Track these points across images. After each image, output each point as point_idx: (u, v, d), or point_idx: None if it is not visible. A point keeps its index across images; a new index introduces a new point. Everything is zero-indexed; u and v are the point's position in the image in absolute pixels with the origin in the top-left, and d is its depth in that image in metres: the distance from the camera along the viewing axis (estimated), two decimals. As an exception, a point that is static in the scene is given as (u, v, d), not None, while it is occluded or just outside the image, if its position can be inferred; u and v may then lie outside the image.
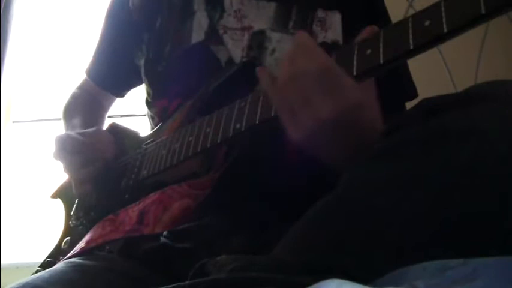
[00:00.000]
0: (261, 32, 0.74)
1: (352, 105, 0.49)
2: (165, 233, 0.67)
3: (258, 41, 0.74)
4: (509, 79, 0.45)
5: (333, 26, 0.75)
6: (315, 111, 0.49)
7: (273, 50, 0.73)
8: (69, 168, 0.81)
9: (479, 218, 0.36)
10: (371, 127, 0.52)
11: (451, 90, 1.78)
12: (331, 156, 0.55)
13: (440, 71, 1.85)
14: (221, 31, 0.75)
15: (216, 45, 0.75)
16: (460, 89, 0.47)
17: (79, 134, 0.82)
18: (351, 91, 0.49)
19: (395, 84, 0.76)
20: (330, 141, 0.52)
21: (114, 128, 0.86)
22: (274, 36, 0.74)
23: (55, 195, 0.94)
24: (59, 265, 0.68)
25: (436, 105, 0.44)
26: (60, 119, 1.00)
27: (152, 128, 0.85)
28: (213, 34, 0.76)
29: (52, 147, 0.82)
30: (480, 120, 0.40)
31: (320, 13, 0.74)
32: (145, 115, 0.90)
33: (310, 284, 0.33)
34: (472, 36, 1.88)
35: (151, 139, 0.79)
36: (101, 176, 0.80)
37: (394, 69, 0.50)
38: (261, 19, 0.75)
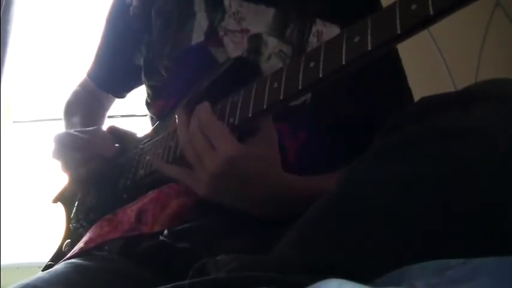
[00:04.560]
0: (257, 36, 0.74)
1: (232, 157, 0.55)
2: (165, 232, 0.67)
3: (254, 44, 0.73)
4: (509, 78, 0.44)
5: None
6: (205, 167, 0.56)
7: (269, 56, 0.73)
8: (68, 166, 0.80)
9: (479, 218, 0.36)
10: (271, 179, 0.58)
11: (451, 90, 1.77)
12: (242, 207, 0.61)
13: (440, 71, 1.85)
14: (221, 33, 0.75)
15: (215, 47, 0.75)
16: (460, 88, 0.47)
17: (79, 131, 0.82)
18: (229, 145, 0.55)
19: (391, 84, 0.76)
20: (228, 192, 0.59)
21: (112, 130, 0.87)
22: (271, 41, 0.73)
23: (56, 200, 0.94)
24: (59, 266, 0.68)
25: (436, 104, 0.44)
26: (60, 119, 1.00)
27: (151, 129, 0.85)
28: (213, 35, 0.75)
29: (51, 145, 0.81)
30: (480, 119, 0.40)
31: (318, 24, 0.73)
32: (145, 115, 0.90)
33: (310, 284, 0.33)
34: (472, 36, 1.88)
35: (148, 139, 0.79)
36: (100, 175, 0.80)
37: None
38: (259, 23, 0.74)
